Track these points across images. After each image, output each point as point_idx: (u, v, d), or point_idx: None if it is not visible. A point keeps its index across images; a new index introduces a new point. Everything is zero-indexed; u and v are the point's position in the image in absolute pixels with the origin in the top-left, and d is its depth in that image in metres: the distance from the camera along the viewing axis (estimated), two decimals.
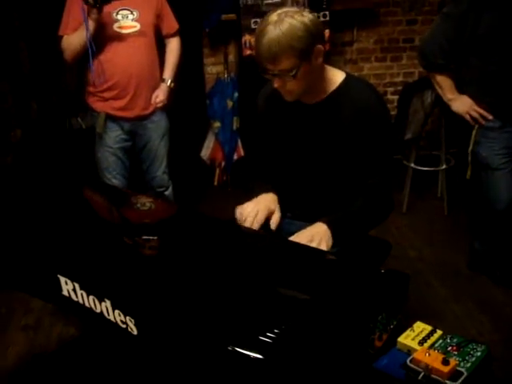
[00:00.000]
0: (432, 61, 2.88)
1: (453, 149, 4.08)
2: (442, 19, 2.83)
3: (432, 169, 4.13)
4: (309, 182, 2.17)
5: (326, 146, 2.07)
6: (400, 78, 4.84)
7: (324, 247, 1.90)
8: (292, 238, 1.93)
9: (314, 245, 1.88)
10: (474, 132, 2.89)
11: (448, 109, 3.03)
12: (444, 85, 2.93)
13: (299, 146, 2.14)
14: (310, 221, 2.03)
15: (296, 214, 2.24)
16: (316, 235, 1.92)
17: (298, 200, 2.23)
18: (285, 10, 1.89)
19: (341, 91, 2.03)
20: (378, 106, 2.02)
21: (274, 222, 2.05)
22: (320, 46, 1.90)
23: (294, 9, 1.93)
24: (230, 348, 1.30)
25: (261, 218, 2.02)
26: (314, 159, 2.12)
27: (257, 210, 2.03)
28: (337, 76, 2.05)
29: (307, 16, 1.88)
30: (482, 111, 2.81)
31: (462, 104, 2.88)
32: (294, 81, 1.91)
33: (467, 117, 2.86)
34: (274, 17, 1.86)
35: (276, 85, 1.95)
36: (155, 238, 1.90)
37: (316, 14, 1.96)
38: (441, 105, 3.35)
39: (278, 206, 2.11)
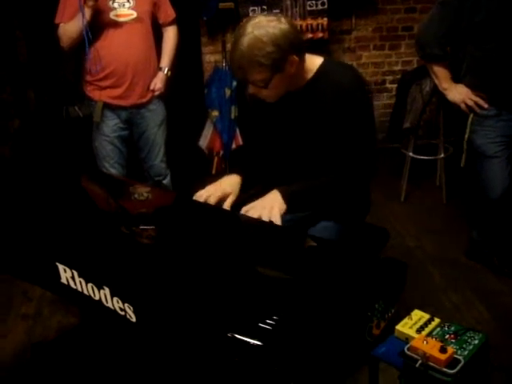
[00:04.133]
0: (428, 51, 2.88)
1: (451, 137, 4.08)
2: (438, 8, 2.82)
3: (430, 157, 4.12)
4: (297, 166, 2.18)
5: (311, 131, 2.08)
6: (398, 67, 4.82)
7: (276, 213, 1.93)
8: (247, 207, 1.99)
9: (266, 211, 1.92)
10: (469, 120, 2.89)
11: (446, 97, 3.02)
12: (440, 74, 2.93)
13: (285, 134, 2.15)
14: None
15: None
16: (268, 201, 1.97)
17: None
18: (260, 19, 1.89)
19: (319, 76, 2.05)
20: (353, 86, 2.02)
21: (226, 205, 2.11)
22: (293, 57, 1.91)
23: (271, 17, 1.90)
24: (229, 335, 1.30)
25: (212, 202, 2.09)
26: (301, 144, 2.13)
27: (208, 195, 2.10)
28: (315, 62, 2.07)
29: (280, 27, 1.86)
30: (477, 99, 2.80)
31: (458, 93, 2.87)
32: (267, 90, 1.95)
33: (463, 105, 2.86)
34: (248, 28, 1.87)
35: (251, 91, 1.99)
36: (154, 226, 1.90)
37: (293, 22, 1.97)
38: (439, 93, 3.34)
39: (236, 188, 2.16)
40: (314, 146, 2.11)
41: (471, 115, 2.87)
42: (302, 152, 2.14)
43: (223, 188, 2.14)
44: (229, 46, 4.48)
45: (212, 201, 2.09)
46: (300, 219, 2.17)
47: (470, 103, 2.82)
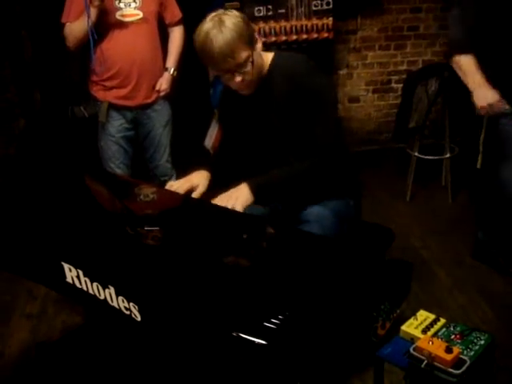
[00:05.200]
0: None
1: (457, 137, 4.07)
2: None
3: (436, 157, 4.11)
4: (279, 161, 2.21)
5: (277, 123, 2.15)
6: (404, 67, 4.81)
7: (240, 203, 2.01)
8: (214, 201, 2.07)
9: (230, 203, 2.00)
10: (484, 120, 2.84)
11: (452, 97, 2.99)
12: (468, 69, 2.76)
13: (257, 132, 2.23)
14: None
15: None
16: (235, 193, 2.05)
17: None
18: (214, 13, 2.01)
19: (272, 70, 2.14)
20: (306, 70, 2.11)
21: (195, 194, 2.23)
22: (256, 34, 2.06)
23: (222, 11, 2.05)
24: (234, 334, 1.30)
25: (181, 191, 2.22)
26: (274, 138, 2.20)
27: (177, 187, 2.24)
28: (267, 57, 2.16)
29: (235, 12, 2.04)
30: (499, 106, 2.73)
31: (483, 97, 2.73)
32: (251, 69, 2.02)
33: (483, 111, 2.76)
34: (209, 24, 1.98)
35: (238, 79, 2.04)
36: (159, 226, 1.90)
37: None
38: (445, 93, 3.32)
39: (204, 181, 2.28)
40: (281, 137, 2.17)
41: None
42: (272, 145, 2.21)
43: (191, 180, 2.27)
44: None
45: (180, 192, 2.21)
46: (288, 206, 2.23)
47: (491, 112, 2.76)
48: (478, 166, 2.96)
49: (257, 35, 2.07)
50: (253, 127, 2.23)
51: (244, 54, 1.99)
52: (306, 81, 2.08)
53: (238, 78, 2.04)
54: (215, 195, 2.13)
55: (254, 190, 2.06)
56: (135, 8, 3.02)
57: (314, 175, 2.12)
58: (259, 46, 2.07)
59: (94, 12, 2.88)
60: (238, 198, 2.03)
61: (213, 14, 2.01)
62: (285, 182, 2.12)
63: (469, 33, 2.73)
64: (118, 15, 3.00)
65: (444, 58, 3.88)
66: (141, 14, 3.04)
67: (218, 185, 2.35)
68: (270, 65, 2.15)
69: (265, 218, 2.16)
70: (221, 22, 1.96)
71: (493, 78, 2.76)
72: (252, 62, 2.01)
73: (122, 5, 3.00)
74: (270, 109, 2.15)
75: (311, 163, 2.09)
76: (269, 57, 2.16)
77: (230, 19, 1.97)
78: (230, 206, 2.00)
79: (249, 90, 2.13)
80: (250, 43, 2.01)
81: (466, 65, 2.78)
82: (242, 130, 2.29)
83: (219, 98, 2.46)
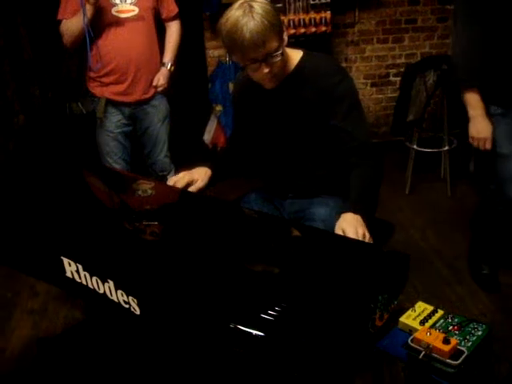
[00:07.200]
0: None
1: (455, 130, 4.07)
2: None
3: (435, 150, 4.12)
4: (295, 161, 2.21)
5: (298, 124, 2.12)
6: (402, 60, 4.81)
7: (367, 236, 1.84)
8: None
9: (360, 237, 1.81)
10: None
11: (450, 90, 2.97)
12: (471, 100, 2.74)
13: (275, 130, 2.19)
14: (311, 196, 2.19)
15: (297, 193, 2.27)
16: (357, 226, 1.84)
17: (292, 180, 2.26)
18: (242, 0, 1.92)
19: (300, 68, 2.09)
20: (338, 79, 2.06)
21: (192, 188, 2.20)
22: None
23: None
24: (232, 326, 1.31)
25: (179, 185, 2.18)
26: (292, 138, 2.17)
27: (177, 180, 2.19)
28: (295, 55, 2.11)
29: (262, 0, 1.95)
30: (486, 147, 2.74)
31: (476, 131, 2.73)
32: (280, 60, 1.97)
33: (474, 144, 2.76)
34: (238, 11, 1.89)
35: (265, 71, 1.97)
36: (157, 220, 1.91)
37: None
38: (443, 86, 3.31)
39: (204, 177, 2.24)
40: (298, 135, 2.14)
41: None
42: (296, 144, 2.17)
43: (192, 174, 2.23)
44: None
45: (179, 184, 2.18)
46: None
47: (482, 147, 2.74)
48: (471, 169, 2.92)
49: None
50: (270, 123, 2.19)
51: (274, 44, 1.91)
52: (337, 82, 2.05)
53: (266, 70, 1.96)
54: (215, 191, 2.11)
55: (362, 213, 1.90)
56: (131, 4, 3.02)
57: (380, 174, 2.10)
58: (286, 38, 1.99)
59: (90, 9, 2.87)
60: (364, 228, 1.84)
61: (240, 1, 1.92)
62: (371, 191, 2.05)
63: (472, 67, 2.68)
64: (113, 11, 2.99)
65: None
66: (137, 10, 3.03)
67: (224, 178, 2.37)
68: (299, 62, 2.09)
69: (259, 212, 2.17)
70: (252, 9, 1.87)
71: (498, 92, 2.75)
72: (282, 54, 1.95)
73: (117, 1, 2.99)
74: (292, 106, 2.10)
75: (372, 163, 2.06)
76: (297, 54, 2.11)
77: (261, 6, 1.89)
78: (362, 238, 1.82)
79: (272, 84, 2.06)
80: (280, 33, 1.94)
81: (470, 97, 2.75)
82: (257, 125, 2.25)
83: (233, 89, 2.38)
